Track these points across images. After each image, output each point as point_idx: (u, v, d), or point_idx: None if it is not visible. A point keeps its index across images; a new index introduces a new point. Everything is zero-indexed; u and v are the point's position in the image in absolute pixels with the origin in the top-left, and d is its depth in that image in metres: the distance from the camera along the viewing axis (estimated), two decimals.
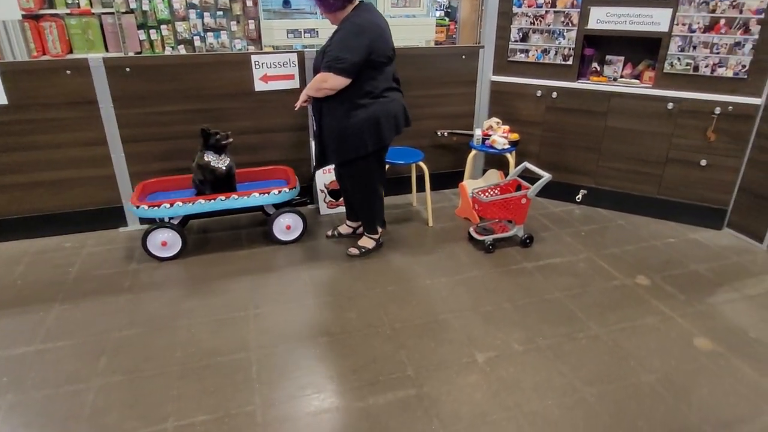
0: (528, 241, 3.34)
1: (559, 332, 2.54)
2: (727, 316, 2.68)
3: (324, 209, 3.80)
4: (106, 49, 3.35)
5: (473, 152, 3.79)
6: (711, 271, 3.09)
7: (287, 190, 3.22)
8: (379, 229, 3.27)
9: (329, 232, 3.48)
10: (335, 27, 2.80)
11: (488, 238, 3.28)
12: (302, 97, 2.90)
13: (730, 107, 3.30)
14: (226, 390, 2.16)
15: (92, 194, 3.42)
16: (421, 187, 4.01)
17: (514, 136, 3.74)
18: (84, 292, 2.84)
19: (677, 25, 3.31)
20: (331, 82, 2.66)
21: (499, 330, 2.55)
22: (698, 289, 2.91)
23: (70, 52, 3.36)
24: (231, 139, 3.14)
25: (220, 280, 2.96)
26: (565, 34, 3.62)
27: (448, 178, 4.16)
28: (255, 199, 3.16)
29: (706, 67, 3.31)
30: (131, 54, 3.26)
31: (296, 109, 2.95)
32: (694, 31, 3.28)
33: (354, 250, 3.22)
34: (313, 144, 3.61)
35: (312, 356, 2.37)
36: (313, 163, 3.57)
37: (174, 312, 2.67)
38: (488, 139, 3.70)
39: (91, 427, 1.99)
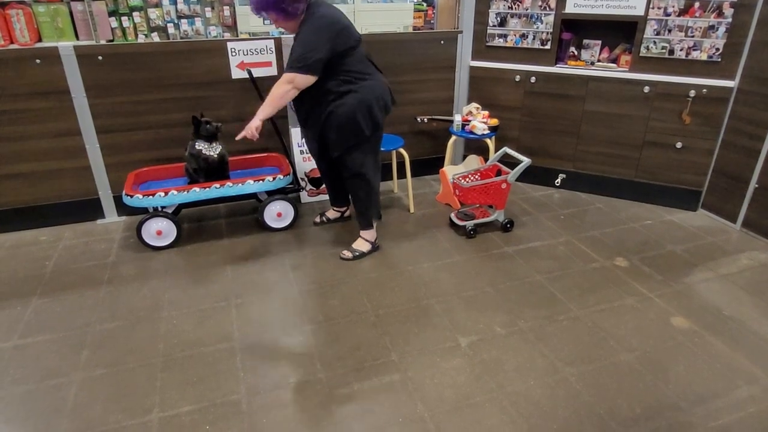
0: (508, 225, 3.37)
1: (540, 314, 2.58)
2: (702, 295, 2.75)
3: (305, 197, 3.78)
4: (77, 37, 3.25)
5: (453, 138, 3.80)
6: (687, 252, 3.16)
7: (281, 177, 3.21)
8: (375, 224, 3.12)
9: (317, 219, 3.46)
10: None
11: (469, 224, 3.31)
12: (254, 123, 2.69)
13: (705, 90, 3.35)
14: (211, 380, 2.16)
15: (67, 186, 3.35)
16: (401, 174, 4.01)
17: (494, 122, 3.76)
18: (62, 285, 2.80)
19: (653, 8, 3.34)
20: (298, 80, 2.59)
21: (481, 314, 2.58)
22: (675, 270, 2.97)
23: (39, 40, 3.25)
24: (220, 124, 3.13)
25: (203, 269, 2.94)
26: (542, 18, 3.63)
27: (428, 165, 4.16)
28: (250, 186, 3.15)
29: (681, 50, 3.35)
30: (103, 42, 3.17)
31: (237, 139, 2.75)
32: (669, 15, 3.31)
33: (347, 254, 3.05)
34: (294, 135, 3.59)
35: (296, 344, 2.37)
36: (300, 151, 3.57)
37: (155, 303, 2.64)
38: (468, 124, 3.71)
39: (74, 421, 1.97)
